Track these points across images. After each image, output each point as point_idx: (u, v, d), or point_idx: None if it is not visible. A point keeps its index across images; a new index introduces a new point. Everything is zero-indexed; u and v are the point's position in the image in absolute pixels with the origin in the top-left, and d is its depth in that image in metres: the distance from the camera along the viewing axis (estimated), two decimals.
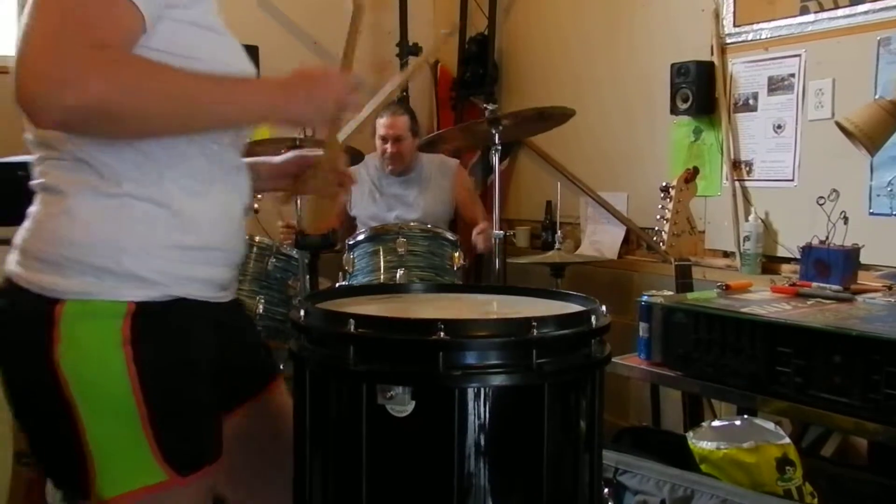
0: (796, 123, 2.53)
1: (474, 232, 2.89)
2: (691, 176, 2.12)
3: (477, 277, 3.04)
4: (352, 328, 1.01)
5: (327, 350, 1.07)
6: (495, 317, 1.23)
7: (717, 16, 2.72)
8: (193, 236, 1.06)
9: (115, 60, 0.93)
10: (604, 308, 1.12)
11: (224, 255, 1.12)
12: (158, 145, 1.03)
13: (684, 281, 2.03)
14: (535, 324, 1.00)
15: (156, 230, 1.03)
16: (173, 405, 1.05)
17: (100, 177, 1.02)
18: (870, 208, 2.32)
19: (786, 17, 2.53)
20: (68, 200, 1.02)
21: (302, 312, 1.09)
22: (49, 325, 0.99)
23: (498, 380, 0.99)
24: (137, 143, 1.01)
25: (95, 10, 0.93)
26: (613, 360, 1.24)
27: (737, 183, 2.70)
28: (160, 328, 1.04)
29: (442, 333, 0.97)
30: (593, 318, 1.08)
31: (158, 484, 1.03)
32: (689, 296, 1.83)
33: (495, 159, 2.61)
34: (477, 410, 0.99)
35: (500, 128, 2.54)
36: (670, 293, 1.86)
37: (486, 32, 3.61)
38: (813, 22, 2.46)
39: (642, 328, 1.76)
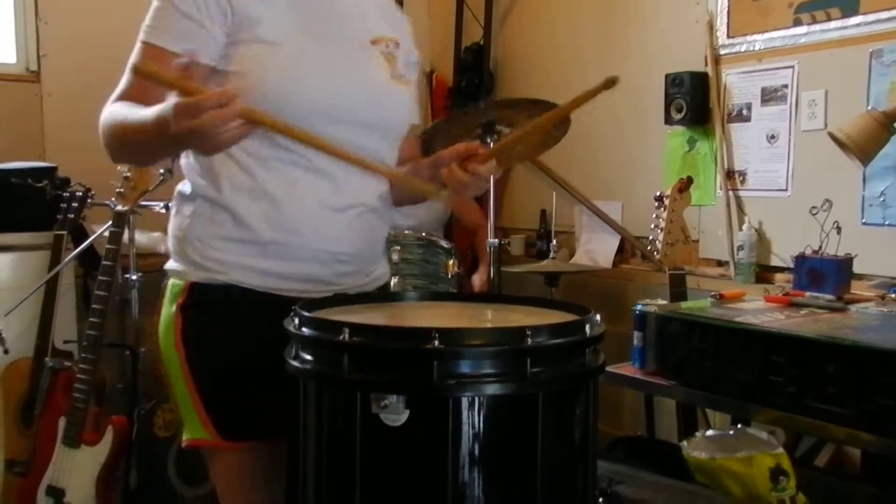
0: (790, 134, 2.54)
1: (475, 280, 2.85)
2: (685, 186, 2.13)
3: (472, 285, 3.04)
4: (346, 336, 1.01)
5: (321, 358, 1.06)
6: (490, 325, 1.23)
7: (711, 27, 2.73)
8: (244, 231, 1.23)
9: (104, 116, 1.19)
10: (598, 317, 1.12)
11: (283, 249, 1.24)
12: (219, 159, 1.22)
13: (678, 290, 2.03)
14: (529, 332, 1.00)
15: (211, 225, 1.25)
16: (211, 374, 1.24)
17: (187, 185, 1.29)
18: (862, 218, 2.33)
19: (779, 29, 2.54)
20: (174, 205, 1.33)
21: (296, 321, 1.09)
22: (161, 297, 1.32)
23: (492, 389, 0.99)
24: (208, 157, 1.22)
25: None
26: (608, 369, 1.24)
27: (731, 192, 2.71)
28: (203, 305, 1.25)
29: (436, 342, 0.97)
30: (587, 327, 1.08)
31: (206, 441, 1.25)
32: (683, 305, 1.83)
33: None
34: (471, 420, 0.99)
35: (496, 136, 2.54)
36: (664, 302, 1.86)
37: (481, 42, 3.62)
38: (805, 34, 2.48)
39: (636, 337, 1.77)
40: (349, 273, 1.32)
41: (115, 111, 1.18)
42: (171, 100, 1.02)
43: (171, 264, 1.31)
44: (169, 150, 1.21)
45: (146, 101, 1.12)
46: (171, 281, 1.30)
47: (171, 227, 1.32)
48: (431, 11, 3.84)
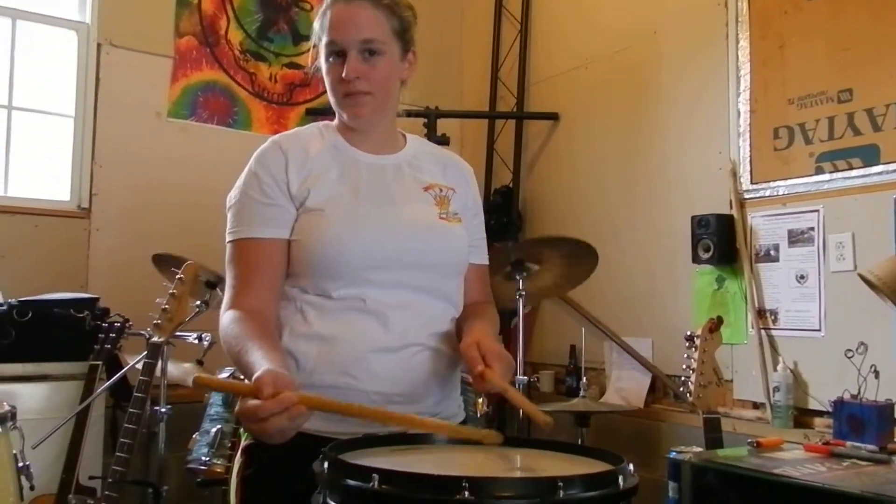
0: (819, 274, 2.55)
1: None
2: (715, 326, 2.12)
3: (500, 425, 2.98)
4: (375, 484, 0.99)
5: None
6: (520, 475, 1.20)
7: (735, 174, 2.82)
8: (303, 375, 1.27)
9: (223, 323, 1.29)
10: (631, 467, 1.09)
11: (338, 391, 1.25)
12: (287, 309, 1.32)
13: (713, 435, 1.97)
14: (560, 484, 0.98)
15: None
16: None
17: None
18: None
19: (801, 177, 2.61)
20: None
21: (325, 464, 1.08)
22: None
23: None
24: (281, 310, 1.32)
25: (235, 273, 1.32)
26: None
27: (763, 332, 2.69)
28: (263, 449, 1.27)
29: (467, 493, 0.95)
30: (620, 478, 1.05)
31: None
32: (720, 453, 1.77)
33: (519, 303, 2.64)
34: None
35: (524, 273, 2.59)
36: (700, 449, 1.80)
37: (510, 185, 3.77)
38: (829, 181, 2.54)
39: (671, 488, 1.69)
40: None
41: (235, 336, 1.23)
42: (242, 402, 1.08)
43: None
44: None
45: (256, 286, 1.29)
46: None
47: None
48: (464, 156, 4.02)
